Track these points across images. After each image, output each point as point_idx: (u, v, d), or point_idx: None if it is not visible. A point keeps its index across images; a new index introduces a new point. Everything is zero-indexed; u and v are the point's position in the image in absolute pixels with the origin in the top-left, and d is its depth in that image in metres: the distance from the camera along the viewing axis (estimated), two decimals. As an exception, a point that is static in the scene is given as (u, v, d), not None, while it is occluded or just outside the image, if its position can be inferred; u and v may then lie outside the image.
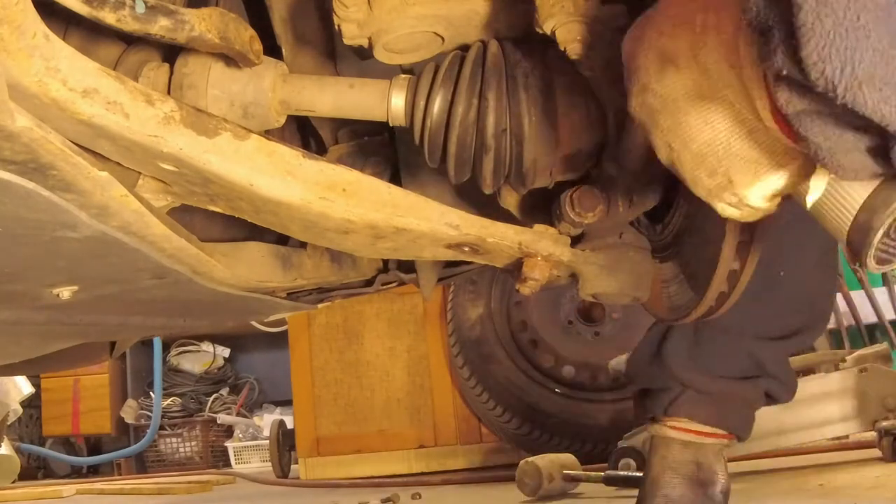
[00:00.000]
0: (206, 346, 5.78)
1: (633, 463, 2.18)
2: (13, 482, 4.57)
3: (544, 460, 2.04)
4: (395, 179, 1.36)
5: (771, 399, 1.42)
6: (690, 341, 1.37)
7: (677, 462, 1.35)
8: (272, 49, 1.14)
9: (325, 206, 0.98)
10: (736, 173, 0.67)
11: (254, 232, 1.28)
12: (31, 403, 5.24)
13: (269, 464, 3.61)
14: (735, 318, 1.25)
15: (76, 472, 5.66)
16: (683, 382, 1.36)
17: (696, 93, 0.66)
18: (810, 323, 1.41)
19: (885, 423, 2.04)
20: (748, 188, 0.68)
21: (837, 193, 0.67)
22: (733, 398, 1.37)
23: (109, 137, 0.88)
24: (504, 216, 1.17)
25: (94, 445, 5.79)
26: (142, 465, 5.47)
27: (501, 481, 2.58)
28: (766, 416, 2.10)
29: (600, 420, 2.86)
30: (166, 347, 5.63)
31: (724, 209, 0.71)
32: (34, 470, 5.57)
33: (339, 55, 1.30)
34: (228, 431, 5.45)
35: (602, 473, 2.03)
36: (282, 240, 1.40)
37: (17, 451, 4.82)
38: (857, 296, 3.26)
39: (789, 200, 0.71)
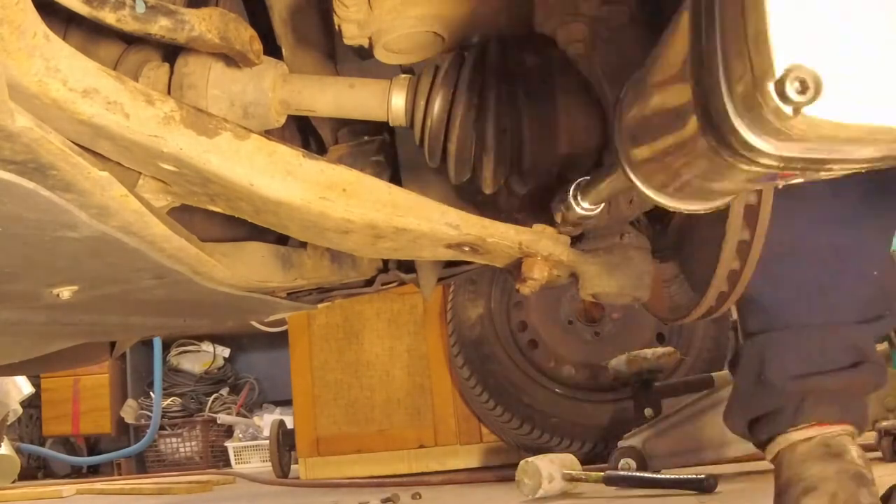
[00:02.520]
0: (206, 346, 5.78)
1: (633, 463, 2.18)
2: (13, 482, 4.57)
3: (544, 460, 2.05)
4: (395, 179, 1.36)
5: (877, 384, 1.33)
6: (791, 352, 1.29)
7: (804, 454, 1.26)
8: (272, 49, 1.14)
9: (325, 205, 0.98)
10: None
11: (254, 232, 1.28)
12: (31, 403, 5.23)
13: (269, 464, 3.61)
14: (823, 309, 1.24)
15: (76, 472, 5.66)
16: (802, 392, 1.27)
17: None
18: (887, 306, 1.34)
19: (884, 424, 2.04)
20: None
21: None
22: (850, 390, 1.29)
23: (109, 137, 0.88)
24: (504, 216, 1.17)
25: (94, 445, 5.79)
26: (142, 465, 5.47)
27: (501, 481, 2.58)
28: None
29: (600, 420, 2.86)
30: (166, 347, 5.62)
31: None
32: (34, 470, 5.57)
33: (339, 55, 1.30)
34: (228, 431, 5.45)
35: (602, 473, 2.04)
36: (282, 240, 1.40)
37: (17, 451, 4.81)
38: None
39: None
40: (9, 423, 4.34)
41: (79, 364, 2.14)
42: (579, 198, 1.02)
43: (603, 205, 1.03)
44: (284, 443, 3.52)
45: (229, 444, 5.19)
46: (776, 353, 1.28)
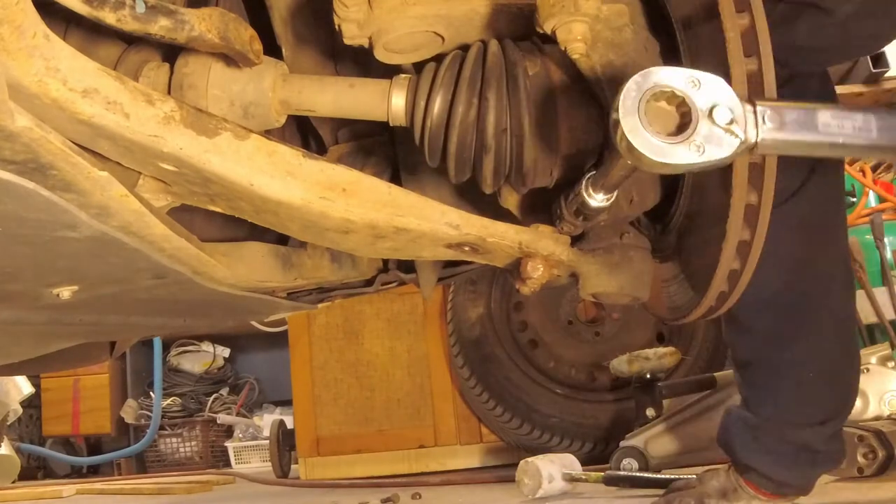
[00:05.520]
0: (206, 346, 5.78)
1: (634, 463, 2.18)
2: (13, 482, 4.56)
3: (544, 460, 2.04)
4: (395, 179, 1.36)
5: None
6: (751, 433, 1.49)
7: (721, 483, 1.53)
8: (272, 49, 1.14)
9: (325, 205, 0.98)
10: None
11: (254, 232, 1.28)
12: (31, 403, 5.23)
13: (269, 464, 3.61)
14: (777, 411, 1.44)
15: (76, 472, 5.65)
16: (749, 466, 1.49)
17: None
18: (842, 405, 1.49)
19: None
20: None
21: None
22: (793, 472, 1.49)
23: (109, 137, 0.88)
24: (504, 216, 1.17)
25: (94, 445, 5.78)
26: (142, 465, 5.47)
27: (501, 481, 2.58)
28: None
29: (601, 420, 2.86)
30: (166, 347, 5.62)
31: None
32: (34, 470, 5.57)
33: (339, 55, 1.30)
34: (228, 431, 5.44)
35: (602, 474, 2.03)
36: (282, 240, 1.40)
37: (17, 451, 4.81)
38: (857, 296, 3.25)
39: None
40: (9, 423, 4.34)
41: (79, 364, 2.14)
42: (591, 190, 1.02)
43: (615, 194, 1.03)
44: (284, 443, 3.52)
45: (229, 444, 5.19)
46: (739, 431, 1.50)
